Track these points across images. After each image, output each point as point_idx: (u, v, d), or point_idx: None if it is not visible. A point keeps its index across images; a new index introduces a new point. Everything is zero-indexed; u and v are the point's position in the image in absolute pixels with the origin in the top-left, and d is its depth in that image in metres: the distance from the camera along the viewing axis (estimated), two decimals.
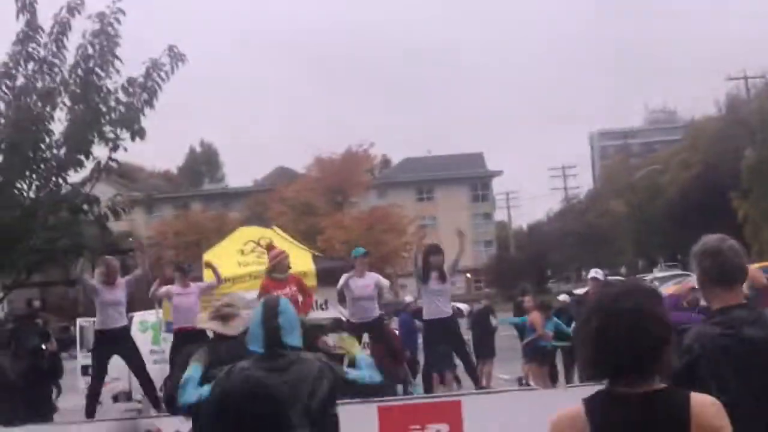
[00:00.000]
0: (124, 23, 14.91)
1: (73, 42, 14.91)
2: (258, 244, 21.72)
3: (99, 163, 15.19)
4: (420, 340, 21.28)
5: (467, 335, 23.34)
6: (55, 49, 14.84)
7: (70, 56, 14.91)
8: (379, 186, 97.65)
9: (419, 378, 21.75)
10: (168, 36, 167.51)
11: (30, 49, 14.76)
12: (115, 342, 16.73)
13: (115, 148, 15.01)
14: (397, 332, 22.66)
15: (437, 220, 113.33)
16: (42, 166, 14.69)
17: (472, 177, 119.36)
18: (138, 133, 14.92)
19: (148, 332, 22.08)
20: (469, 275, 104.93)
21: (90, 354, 30.70)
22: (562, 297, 26.92)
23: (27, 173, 14.65)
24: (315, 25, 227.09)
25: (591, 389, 12.06)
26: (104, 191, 15.43)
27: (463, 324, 23.97)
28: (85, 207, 14.78)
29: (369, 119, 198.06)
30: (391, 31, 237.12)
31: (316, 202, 79.20)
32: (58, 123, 14.76)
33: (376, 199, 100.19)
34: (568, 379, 23.34)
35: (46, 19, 14.89)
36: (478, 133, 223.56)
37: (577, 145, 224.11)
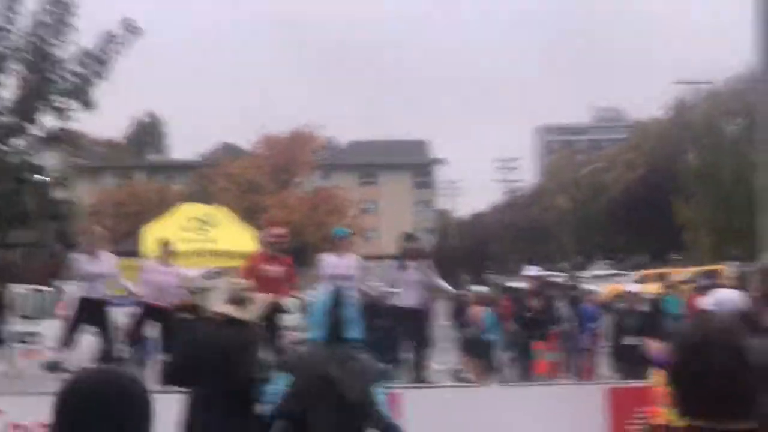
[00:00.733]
0: None
1: (28, 10, 14.72)
2: (202, 221, 21.62)
3: (50, 131, 15.01)
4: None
5: None
6: (9, 14, 14.64)
7: (24, 22, 14.71)
8: (324, 167, 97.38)
9: None
10: (121, 5, 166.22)
11: None
12: (92, 312, 16.63)
13: (64, 119, 14.84)
14: None
15: (380, 205, 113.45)
16: None
17: (416, 164, 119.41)
18: (88, 104, 14.74)
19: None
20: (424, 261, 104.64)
21: (25, 321, 30.63)
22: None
23: None
24: (272, 5, 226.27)
25: (525, 389, 12.10)
26: (49, 157, 15.25)
27: None
28: (29, 176, 14.59)
29: (319, 101, 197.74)
30: (349, 16, 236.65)
31: (260, 180, 78.95)
32: (7, 89, 14.56)
33: (321, 180, 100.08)
34: (503, 374, 23.50)
35: None
36: (425, 121, 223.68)
37: (523, 139, 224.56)
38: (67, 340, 16.94)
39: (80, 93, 13.90)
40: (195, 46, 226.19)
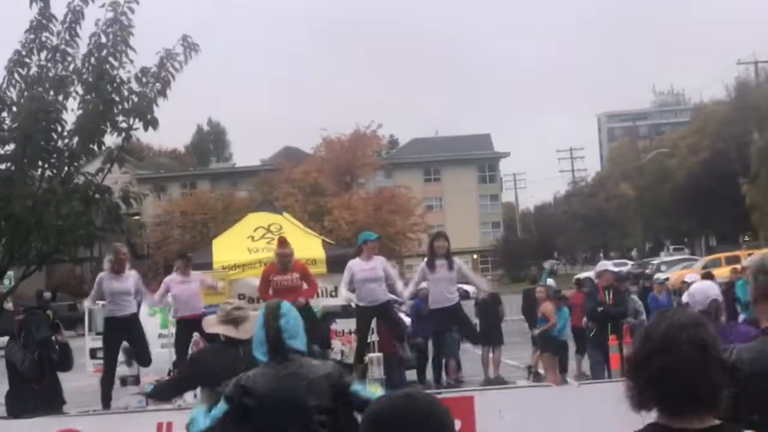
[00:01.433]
0: (137, 12, 14.83)
1: (86, 31, 14.82)
2: (268, 230, 21.68)
3: (111, 152, 15.11)
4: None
5: (474, 321, 23.29)
6: (68, 37, 14.74)
7: (83, 45, 14.82)
8: (387, 167, 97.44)
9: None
10: (181, 16, 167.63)
11: (43, 38, 14.66)
12: (123, 329, 16.78)
13: (127, 138, 14.94)
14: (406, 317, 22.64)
15: (444, 201, 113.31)
16: (54, 155, 14.62)
17: (480, 158, 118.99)
18: (151, 122, 14.83)
19: (156, 316, 22.09)
20: (475, 256, 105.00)
21: (98, 337, 30.86)
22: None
23: (39, 163, 14.58)
24: (328, 6, 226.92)
25: (603, 386, 11.94)
26: (113, 171, 15.37)
27: (470, 306, 23.89)
28: (97, 197, 14.71)
29: (378, 100, 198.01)
30: (403, 13, 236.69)
31: (323, 183, 79.12)
32: (71, 113, 14.68)
33: (384, 179, 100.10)
34: (578, 370, 23.36)
35: (59, 7, 14.80)
36: (487, 115, 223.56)
37: (585, 127, 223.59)
38: (108, 362, 17.14)
39: (142, 112, 14.03)
40: (253, 52, 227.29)
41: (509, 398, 14.87)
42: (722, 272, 34.58)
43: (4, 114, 14.58)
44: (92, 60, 14.73)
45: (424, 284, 19.04)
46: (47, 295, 18.75)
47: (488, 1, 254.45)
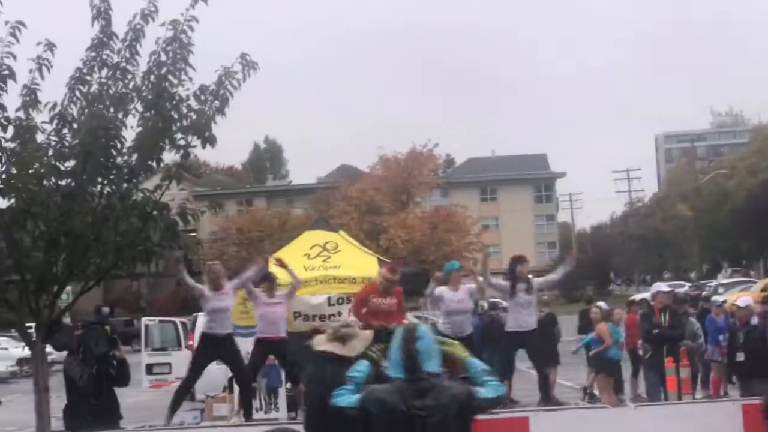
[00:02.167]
0: (197, 30, 14.93)
1: (146, 49, 14.93)
2: (324, 248, 21.70)
3: (170, 169, 15.22)
4: None
5: None
6: (128, 55, 14.86)
7: (143, 63, 14.93)
8: (443, 186, 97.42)
9: None
10: (240, 33, 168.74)
11: (104, 56, 14.78)
12: (218, 348, 16.83)
13: (185, 155, 15.04)
14: None
15: (500, 220, 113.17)
16: (114, 172, 14.72)
17: (536, 178, 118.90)
18: (209, 140, 14.92)
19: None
20: (531, 277, 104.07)
21: (154, 353, 31.12)
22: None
23: (99, 179, 14.69)
24: (385, 24, 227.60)
25: (658, 408, 11.93)
26: (171, 188, 15.46)
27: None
28: (155, 213, 14.80)
29: (434, 119, 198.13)
30: (459, 32, 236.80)
31: (380, 201, 79.21)
32: (130, 130, 14.79)
33: (440, 198, 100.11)
34: (634, 391, 23.21)
35: (120, 25, 14.93)
36: (543, 135, 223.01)
37: (642, 147, 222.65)
38: (192, 375, 17.17)
39: (200, 129, 14.15)
40: (310, 70, 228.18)
41: (564, 419, 14.82)
42: None
43: (66, 131, 14.71)
44: (152, 78, 14.84)
45: (484, 303, 19.03)
46: (105, 310, 18.82)
47: (546, 20, 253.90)
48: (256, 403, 19.51)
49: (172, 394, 17.44)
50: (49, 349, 16.34)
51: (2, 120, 14.65)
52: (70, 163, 14.73)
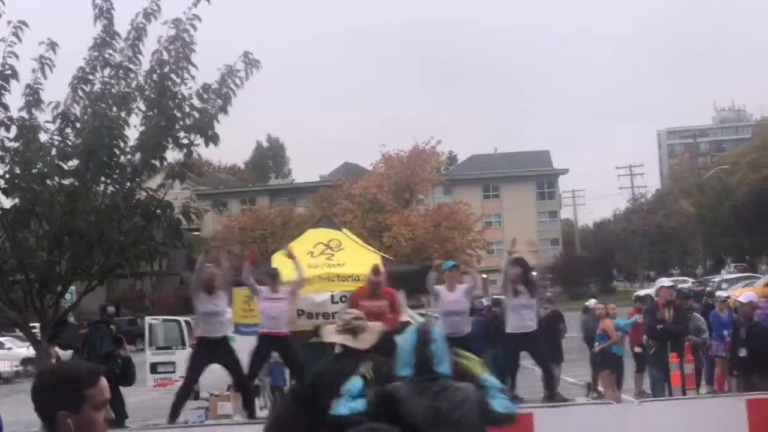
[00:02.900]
0: (199, 29, 14.93)
1: (148, 48, 14.95)
2: (327, 246, 21.68)
3: (173, 168, 15.22)
4: None
5: None
6: (131, 54, 14.88)
7: (146, 62, 14.95)
8: (446, 183, 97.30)
9: None
10: (241, 30, 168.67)
11: (106, 55, 14.80)
12: (213, 351, 16.76)
13: (188, 154, 15.05)
14: None
15: (503, 217, 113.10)
16: (117, 171, 14.74)
17: (539, 175, 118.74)
18: (211, 138, 14.92)
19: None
20: (534, 273, 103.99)
21: (158, 352, 31.12)
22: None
23: (102, 178, 14.70)
24: (387, 21, 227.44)
25: (663, 404, 11.89)
26: (174, 187, 15.47)
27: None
28: (159, 212, 14.82)
29: (437, 116, 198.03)
30: (462, 29, 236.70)
31: (382, 199, 79.09)
32: (134, 129, 14.81)
33: (443, 196, 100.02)
34: (639, 389, 23.19)
35: (122, 24, 14.95)
36: (546, 131, 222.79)
37: (645, 143, 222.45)
38: (189, 380, 17.10)
39: (203, 128, 14.13)
40: (312, 69, 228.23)
41: (568, 416, 14.81)
42: None
43: (69, 130, 14.73)
44: (155, 76, 14.86)
45: (484, 300, 19.01)
46: (111, 309, 18.79)
47: (548, 17, 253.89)
48: (261, 401, 19.44)
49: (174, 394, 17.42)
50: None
51: (5, 120, 14.68)
52: (74, 163, 14.76)
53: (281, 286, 17.86)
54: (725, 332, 22.04)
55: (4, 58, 14.52)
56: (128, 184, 14.93)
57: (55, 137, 14.69)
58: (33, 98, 14.75)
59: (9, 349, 50.39)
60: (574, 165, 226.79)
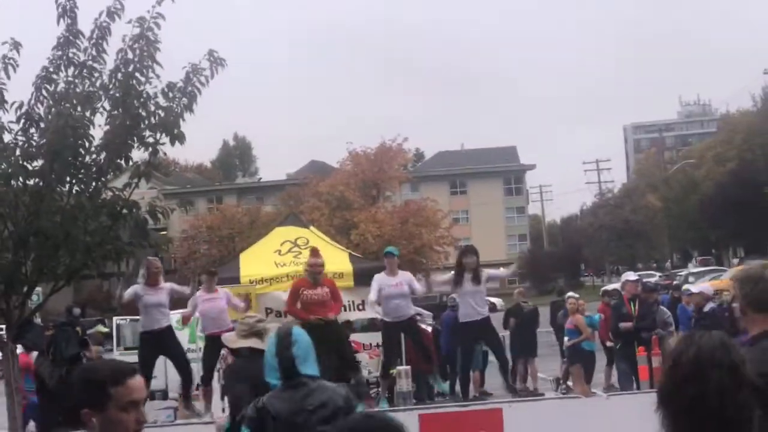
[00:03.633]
0: (163, 27, 14.87)
1: (113, 47, 14.88)
2: (295, 244, 21.70)
3: (138, 167, 15.15)
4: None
5: (503, 333, 23.27)
6: (95, 53, 14.80)
7: (110, 61, 14.87)
8: (413, 180, 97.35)
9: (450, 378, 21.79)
10: (205, 31, 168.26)
11: (70, 54, 14.72)
12: (159, 343, 16.83)
13: (154, 153, 14.98)
14: (430, 329, 22.63)
15: (470, 213, 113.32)
16: (82, 171, 14.66)
17: (506, 171, 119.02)
18: (177, 137, 14.86)
19: (185, 330, 22.18)
20: (502, 269, 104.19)
21: (126, 353, 31.02)
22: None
23: (67, 178, 14.63)
24: (351, 20, 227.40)
25: (631, 397, 11.93)
26: (140, 186, 15.40)
27: (497, 318, 23.89)
28: (125, 212, 14.76)
29: (403, 113, 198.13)
30: (426, 27, 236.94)
31: (350, 197, 78.99)
32: (98, 128, 14.73)
33: (410, 193, 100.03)
34: (608, 383, 23.28)
35: (86, 23, 14.87)
36: (512, 127, 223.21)
37: (611, 138, 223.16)
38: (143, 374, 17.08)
39: (168, 127, 14.05)
40: (277, 67, 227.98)
41: (537, 410, 14.87)
42: None
43: (33, 130, 14.64)
44: (119, 75, 14.79)
45: (454, 296, 19.05)
46: (77, 311, 18.76)
47: (512, 13, 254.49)
48: (222, 403, 19.49)
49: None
50: (20, 349, 16.25)
51: None
52: (38, 163, 14.67)
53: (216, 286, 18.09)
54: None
55: None
56: (94, 183, 14.85)
57: (19, 137, 14.59)
58: None
59: None
60: (541, 161, 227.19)
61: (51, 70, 14.80)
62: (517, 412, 14.27)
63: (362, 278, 19.86)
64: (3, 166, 14.40)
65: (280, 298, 19.64)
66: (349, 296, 19.91)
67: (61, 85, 14.83)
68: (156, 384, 21.45)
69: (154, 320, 16.92)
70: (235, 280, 20.05)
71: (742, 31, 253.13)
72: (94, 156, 14.78)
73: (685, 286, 28.19)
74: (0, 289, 14.74)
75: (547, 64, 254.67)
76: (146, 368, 16.94)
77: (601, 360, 23.36)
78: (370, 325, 22.29)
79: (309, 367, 6.86)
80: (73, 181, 14.77)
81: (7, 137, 14.64)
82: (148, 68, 14.82)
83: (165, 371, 21.21)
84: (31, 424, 17.20)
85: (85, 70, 14.84)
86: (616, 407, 14.61)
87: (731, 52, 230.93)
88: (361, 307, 20.48)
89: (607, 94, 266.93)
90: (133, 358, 30.65)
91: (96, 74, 14.90)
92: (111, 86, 14.81)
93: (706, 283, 44.28)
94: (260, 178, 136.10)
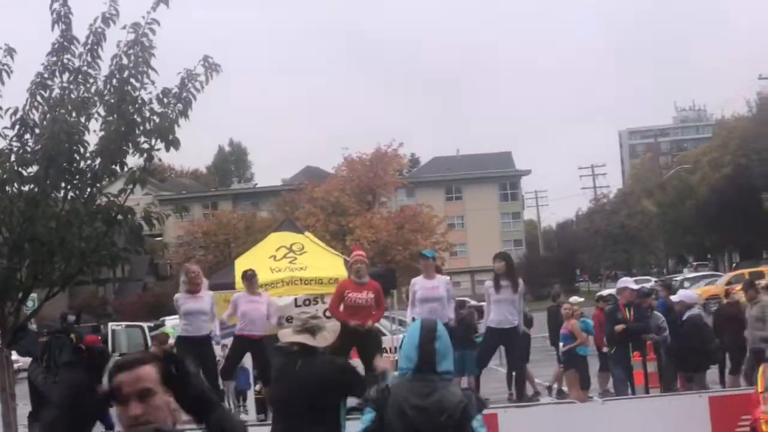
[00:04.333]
0: (158, 33, 14.84)
1: (108, 52, 14.84)
2: (290, 249, 21.69)
3: (134, 173, 15.11)
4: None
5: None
6: (90, 59, 14.77)
7: (105, 67, 14.85)
8: (408, 186, 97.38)
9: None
10: (200, 35, 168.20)
11: (65, 60, 14.69)
12: (194, 350, 16.70)
13: (149, 159, 14.94)
14: None
15: (466, 219, 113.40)
16: (77, 177, 14.63)
17: (501, 176, 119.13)
18: (172, 143, 14.82)
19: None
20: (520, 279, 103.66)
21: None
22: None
23: (62, 184, 14.60)
24: (347, 25, 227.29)
25: (626, 402, 11.96)
26: (135, 192, 15.37)
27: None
28: (120, 218, 14.72)
29: (399, 119, 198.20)
30: (422, 32, 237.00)
31: (345, 202, 79.07)
32: (93, 134, 14.70)
33: (405, 198, 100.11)
34: (603, 388, 23.25)
35: (81, 29, 14.84)
36: (508, 133, 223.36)
37: (607, 143, 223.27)
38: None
39: (164, 133, 14.04)
40: (273, 73, 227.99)
41: (533, 415, 14.86)
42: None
43: (28, 136, 14.61)
44: (114, 81, 14.75)
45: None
46: (71, 318, 18.71)
47: (508, 19, 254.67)
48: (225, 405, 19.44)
49: None
50: (15, 356, 16.21)
51: None
52: (33, 169, 14.64)
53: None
54: None
55: None
56: (89, 189, 14.81)
57: (14, 143, 14.55)
58: None
59: None
60: (536, 166, 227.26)
61: (46, 76, 14.77)
62: (512, 417, 14.26)
63: None
64: None
65: (275, 303, 19.64)
66: None
67: (56, 91, 14.79)
68: None
69: (193, 327, 16.85)
70: (230, 285, 20.01)
71: (736, 38, 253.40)
72: (89, 162, 14.74)
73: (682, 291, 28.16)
74: None
75: (544, 69, 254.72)
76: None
77: (593, 365, 23.31)
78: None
79: (446, 364, 6.77)
80: (68, 187, 14.74)
81: (1, 143, 14.61)
82: (143, 74, 14.79)
83: None
84: None
85: (80, 76, 14.80)
86: (612, 412, 14.61)
87: (726, 58, 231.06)
88: None
89: (602, 100, 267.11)
90: None
91: (91, 80, 14.87)
92: (106, 92, 14.78)
93: (699, 289, 44.38)
94: (256, 184, 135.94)
